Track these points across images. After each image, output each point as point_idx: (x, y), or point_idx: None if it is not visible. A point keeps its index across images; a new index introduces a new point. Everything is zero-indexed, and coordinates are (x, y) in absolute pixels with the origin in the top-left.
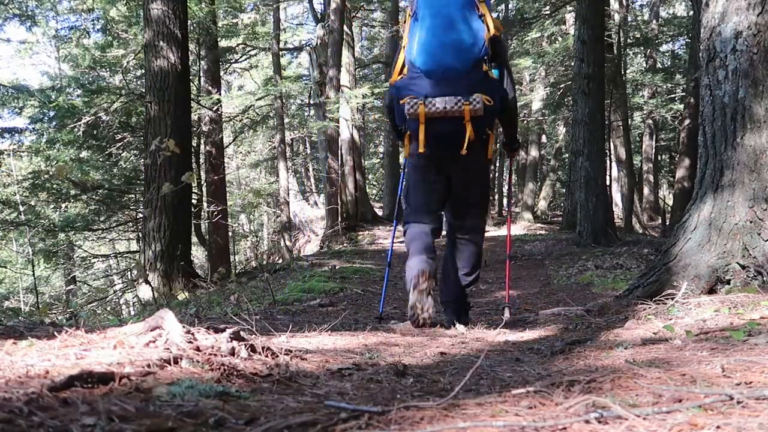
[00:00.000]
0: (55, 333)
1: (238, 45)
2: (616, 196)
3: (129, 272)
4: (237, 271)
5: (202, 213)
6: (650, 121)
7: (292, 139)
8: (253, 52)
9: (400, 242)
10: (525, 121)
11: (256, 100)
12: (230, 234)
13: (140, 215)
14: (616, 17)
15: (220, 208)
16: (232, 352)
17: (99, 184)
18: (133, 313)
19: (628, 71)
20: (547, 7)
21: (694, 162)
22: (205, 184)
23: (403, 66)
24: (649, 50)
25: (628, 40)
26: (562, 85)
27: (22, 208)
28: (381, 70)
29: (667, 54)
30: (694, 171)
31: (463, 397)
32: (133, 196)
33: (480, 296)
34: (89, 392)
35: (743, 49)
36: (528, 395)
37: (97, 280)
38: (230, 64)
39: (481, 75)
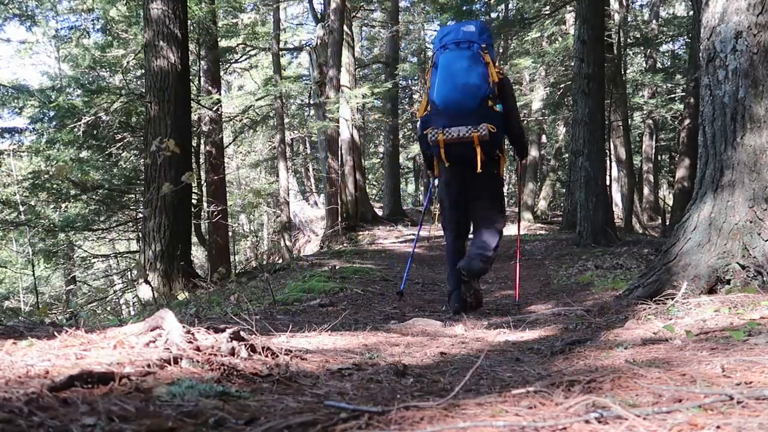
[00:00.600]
0: (55, 333)
1: (238, 45)
2: (616, 196)
3: (129, 272)
4: (237, 271)
5: (202, 213)
6: (650, 121)
7: (292, 139)
8: (253, 52)
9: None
10: (525, 121)
11: (256, 100)
12: (230, 234)
13: (140, 215)
14: (616, 17)
15: (220, 208)
16: (232, 352)
17: (99, 184)
18: (133, 313)
19: (628, 71)
20: (547, 7)
21: (694, 162)
22: (205, 184)
23: (428, 104)
24: (649, 50)
25: (628, 40)
26: (562, 85)
27: (22, 208)
28: (381, 70)
29: (667, 54)
30: (694, 171)
31: (463, 397)
32: (133, 196)
33: None
34: (89, 392)
35: (743, 49)
36: (528, 395)
37: (97, 280)
38: (230, 64)
39: (487, 109)
